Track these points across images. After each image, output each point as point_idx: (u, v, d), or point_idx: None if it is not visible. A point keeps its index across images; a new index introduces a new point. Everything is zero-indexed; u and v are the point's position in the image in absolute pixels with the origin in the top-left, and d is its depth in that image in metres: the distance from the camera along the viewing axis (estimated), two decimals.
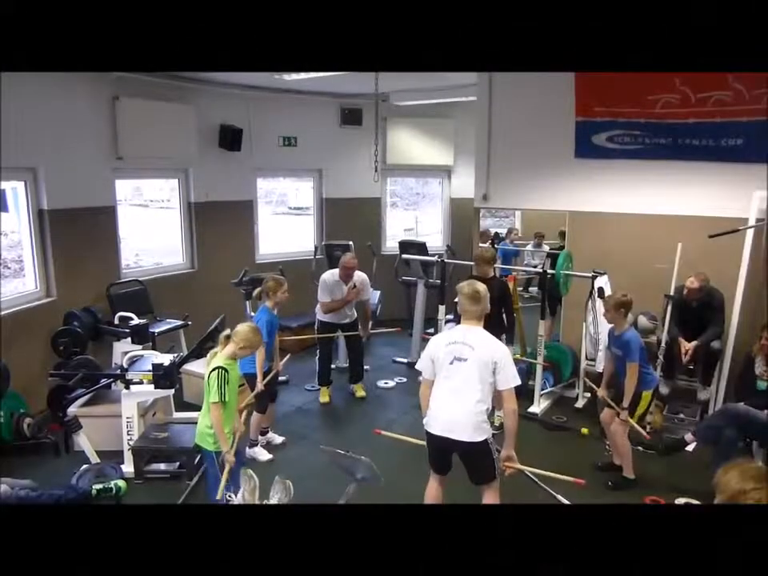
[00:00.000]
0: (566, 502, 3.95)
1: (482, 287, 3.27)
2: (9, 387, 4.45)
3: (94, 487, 3.46)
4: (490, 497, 3.28)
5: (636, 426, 4.12)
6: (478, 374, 3.11)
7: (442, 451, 3.29)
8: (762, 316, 4.61)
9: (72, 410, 4.39)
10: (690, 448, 4.36)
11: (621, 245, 5.60)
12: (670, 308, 5.00)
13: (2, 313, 4.89)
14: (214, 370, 3.33)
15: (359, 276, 5.58)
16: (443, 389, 3.21)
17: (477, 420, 3.12)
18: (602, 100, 5.58)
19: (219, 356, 3.43)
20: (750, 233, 4.87)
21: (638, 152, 5.54)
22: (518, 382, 3.17)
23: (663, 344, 5.03)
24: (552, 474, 3.46)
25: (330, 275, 5.54)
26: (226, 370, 3.34)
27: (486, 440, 3.16)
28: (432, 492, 3.41)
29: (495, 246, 7.21)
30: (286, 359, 4.89)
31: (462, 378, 3.14)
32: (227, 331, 3.52)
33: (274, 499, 3.40)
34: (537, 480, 4.17)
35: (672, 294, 5.02)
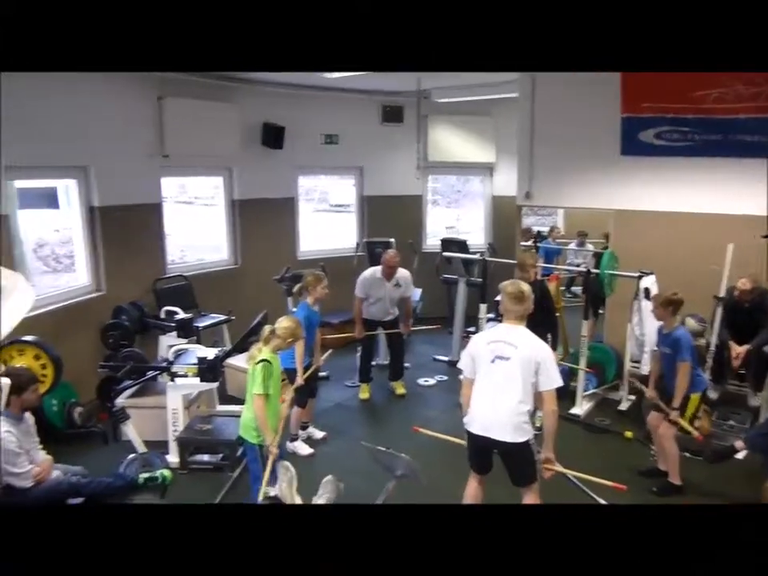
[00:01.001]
0: (603, 502, 3.88)
1: (525, 287, 3.24)
2: (61, 377, 4.60)
3: (140, 476, 3.55)
4: (530, 499, 3.24)
5: (687, 426, 4.02)
6: (521, 373, 3.07)
7: (482, 451, 3.27)
8: None
9: (120, 400, 4.50)
10: (739, 456, 4.22)
11: (668, 244, 5.47)
12: (720, 310, 4.86)
13: (55, 306, 5.06)
14: (259, 362, 3.40)
15: (401, 273, 5.58)
16: (484, 388, 3.19)
17: (518, 420, 3.08)
18: (649, 96, 5.46)
19: (264, 349, 3.49)
20: None
21: (688, 149, 5.40)
22: (561, 383, 3.13)
23: (713, 347, 4.89)
24: (592, 478, 3.40)
25: (371, 272, 5.56)
26: (270, 363, 3.41)
27: (527, 441, 3.12)
28: (471, 492, 3.38)
29: (537, 244, 7.11)
30: (327, 354, 4.93)
31: (504, 378, 3.11)
32: (270, 326, 3.59)
33: (322, 498, 3.45)
34: (578, 483, 4.11)
35: (722, 295, 4.87)
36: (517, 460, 3.18)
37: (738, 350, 4.74)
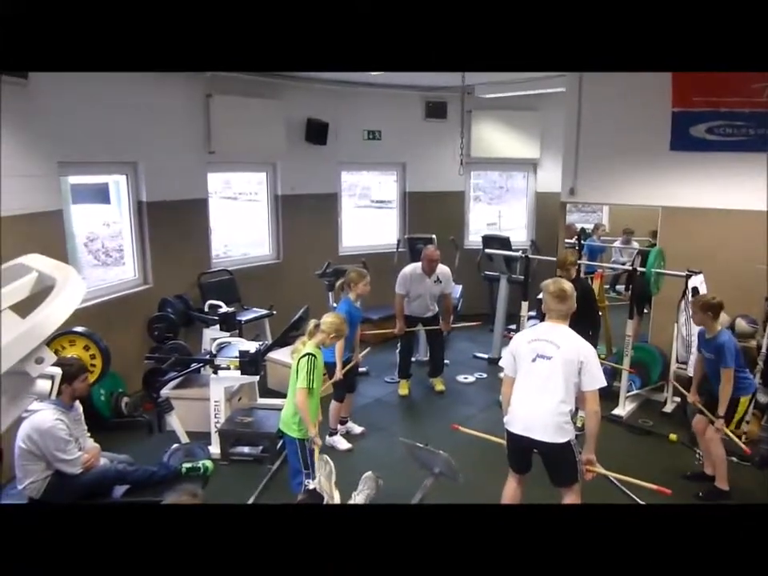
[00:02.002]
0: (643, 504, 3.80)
1: (568, 286, 3.19)
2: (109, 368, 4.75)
3: (183, 466, 3.64)
4: (571, 500, 3.19)
5: (733, 436, 3.90)
6: (563, 372, 3.03)
7: (522, 450, 3.23)
8: None
9: (165, 391, 4.62)
10: None
11: (719, 243, 5.30)
12: None
13: (104, 299, 5.23)
14: (304, 356, 3.46)
15: (442, 269, 5.57)
16: (525, 387, 3.15)
17: (559, 420, 3.04)
18: (701, 89, 5.29)
19: (308, 343, 3.54)
20: None
21: (741, 144, 5.22)
22: (604, 383, 3.07)
23: (764, 350, 4.72)
24: (635, 481, 3.33)
25: (412, 268, 5.56)
26: (315, 357, 3.45)
27: (568, 442, 3.07)
28: (510, 492, 3.34)
29: (582, 241, 6.98)
30: (366, 351, 4.96)
31: (545, 377, 3.07)
32: (315, 321, 3.63)
33: (362, 494, 3.49)
34: (619, 485, 4.04)
35: None
36: (557, 461, 3.14)
37: None
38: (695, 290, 4.78)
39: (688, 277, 4.84)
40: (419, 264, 5.53)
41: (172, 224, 5.85)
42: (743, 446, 3.96)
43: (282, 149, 6.70)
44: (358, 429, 4.99)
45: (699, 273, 4.88)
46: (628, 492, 3.96)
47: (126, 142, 5.30)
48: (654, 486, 3.24)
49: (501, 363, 3.37)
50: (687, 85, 5.33)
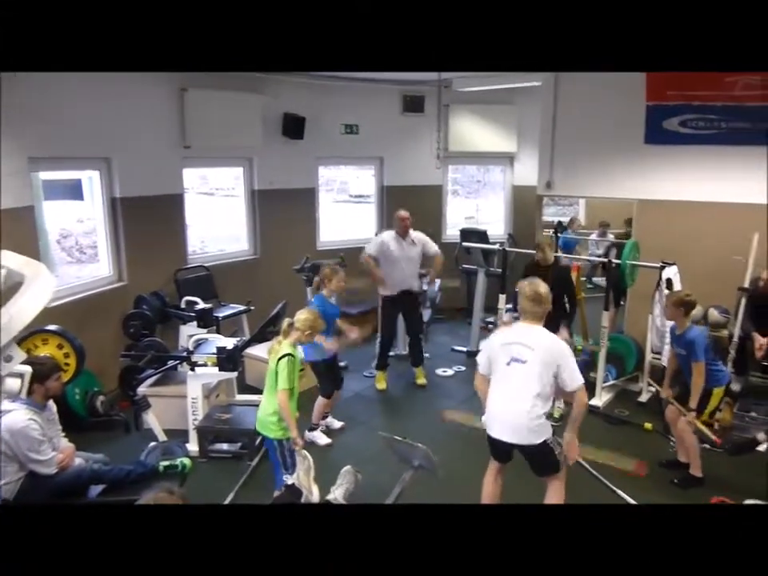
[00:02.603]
0: (627, 497, 3.86)
1: (543, 289, 3.15)
2: (84, 366, 4.68)
3: (161, 464, 3.59)
4: (554, 487, 3.25)
5: (704, 429, 3.97)
6: (538, 376, 3.03)
7: (503, 448, 3.26)
8: None
9: (141, 389, 4.58)
10: (761, 448, 4.15)
11: (692, 235, 5.38)
12: (743, 301, 4.77)
13: (78, 296, 5.15)
14: (283, 357, 3.42)
15: (417, 234, 5.64)
16: (500, 391, 3.16)
17: (533, 424, 3.06)
18: (674, 83, 5.36)
19: (285, 343, 3.50)
20: None
21: (714, 137, 5.30)
22: (582, 380, 3.09)
23: (736, 339, 4.80)
24: (612, 463, 3.39)
25: (386, 233, 5.65)
26: (294, 357, 3.42)
27: (545, 441, 3.10)
28: (491, 480, 3.38)
29: (558, 234, 7.04)
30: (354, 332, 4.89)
31: (520, 381, 3.07)
32: (289, 319, 3.60)
33: (341, 488, 3.48)
34: (600, 477, 4.10)
35: (747, 286, 4.78)
36: (537, 458, 3.18)
37: (762, 342, 4.65)
38: (669, 282, 4.85)
39: (662, 268, 4.91)
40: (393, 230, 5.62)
41: (147, 220, 5.77)
42: (713, 437, 4.03)
43: (258, 143, 6.64)
44: (337, 424, 4.99)
45: (673, 264, 4.95)
46: (606, 482, 4.02)
47: (99, 136, 5.21)
48: (631, 467, 3.29)
49: (478, 359, 3.38)
50: (661, 79, 5.40)
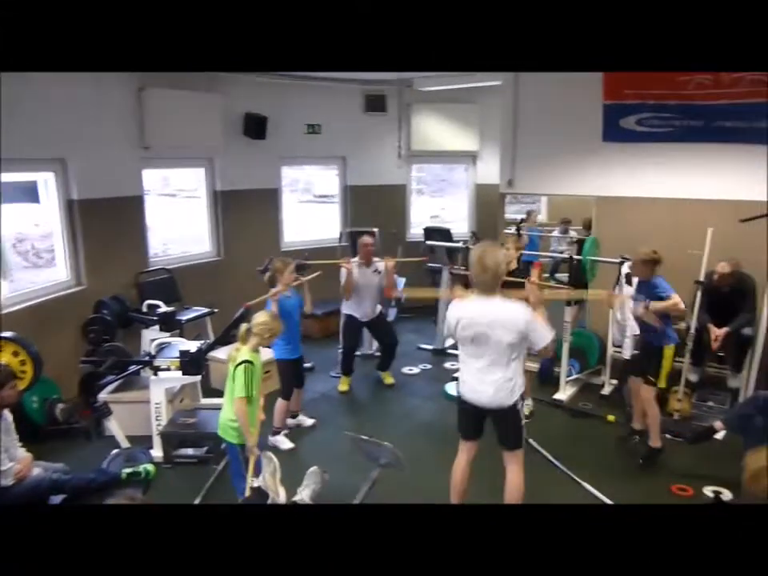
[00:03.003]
0: (588, 486, 3.93)
1: (490, 257, 3.04)
2: (41, 374, 4.56)
3: (123, 471, 3.52)
4: (514, 467, 3.29)
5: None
6: (505, 349, 3.05)
7: (475, 415, 3.28)
8: None
9: (102, 395, 4.48)
10: (719, 436, 4.28)
11: (650, 230, 5.49)
12: (699, 294, 4.90)
13: (36, 302, 5.01)
14: (240, 364, 3.36)
15: (381, 264, 5.59)
16: (469, 368, 3.19)
17: (506, 389, 3.12)
18: (630, 82, 5.46)
19: (244, 350, 3.45)
20: None
21: (668, 135, 5.42)
22: (552, 334, 3.11)
23: (692, 331, 4.93)
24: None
25: (354, 261, 5.58)
26: (252, 364, 3.37)
27: (515, 404, 3.16)
28: (460, 467, 3.39)
29: (520, 231, 7.12)
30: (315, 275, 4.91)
31: (488, 358, 3.10)
32: (246, 324, 3.54)
33: (308, 489, 3.46)
34: (561, 467, 4.17)
35: (702, 279, 4.91)
36: (507, 422, 3.22)
37: (717, 333, 4.79)
38: (628, 276, 4.95)
39: (621, 263, 5.01)
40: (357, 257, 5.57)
41: (106, 222, 5.65)
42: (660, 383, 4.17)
43: (219, 144, 6.56)
44: (309, 421, 4.96)
45: (632, 259, 5.05)
46: (569, 473, 4.09)
47: (53, 137, 5.07)
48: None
49: (444, 333, 3.43)
50: (617, 78, 5.50)
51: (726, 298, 4.84)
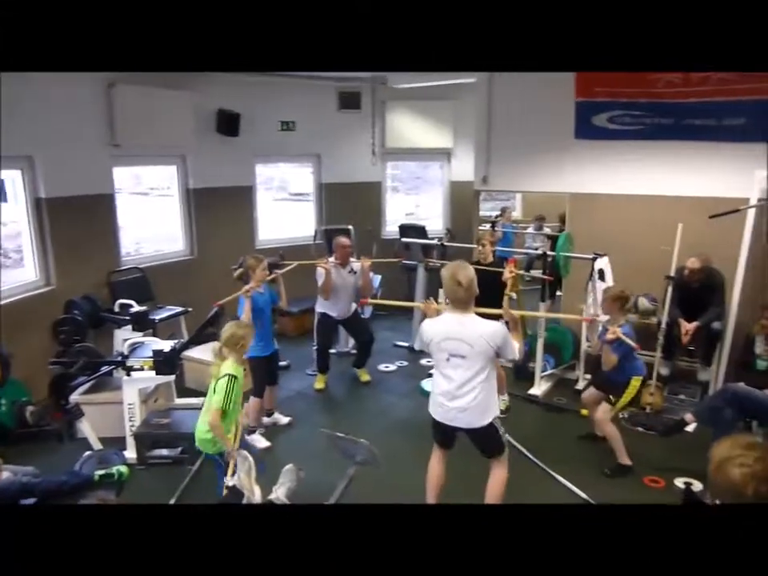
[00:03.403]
0: (562, 480, 3.98)
1: (462, 274, 3.04)
2: (10, 376, 4.47)
3: (96, 473, 3.46)
4: (499, 472, 3.32)
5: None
6: (480, 367, 3.06)
7: (448, 433, 3.30)
8: (763, 296, 4.60)
9: (74, 397, 4.41)
10: (690, 428, 4.36)
11: (622, 226, 5.58)
12: (670, 289, 4.98)
13: (3, 302, 4.90)
14: (224, 376, 3.33)
15: (357, 264, 5.58)
16: (443, 384, 3.17)
17: (481, 407, 3.11)
18: (602, 80, 5.53)
19: (228, 363, 3.41)
20: (750, 213, 4.84)
21: (639, 132, 5.50)
22: (517, 356, 3.17)
23: (664, 325, 5.01)
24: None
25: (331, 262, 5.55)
26: (236, 378, 3.35)
27: (491, 423, 3.16)
28: (435, 464, 3.41)
29: (495, 228, 7.18)
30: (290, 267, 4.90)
31: (462, 376, 3.09)
32: (217, 344, 3.49)
33: (283, 487, 3.44)
34: (539, 462, 4.20)
35: (673, 275, 5.00)
36: (484, 439, 3.24)
37: (688, 327, 4.87)
38: (601, 272, 5.02)
39: (594, 259, 5.08)
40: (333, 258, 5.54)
41: (76, 221, 5.55)
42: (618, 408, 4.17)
43: (191, 141, 6.49)
44: (284, 419, 4.94)
45: (604, 255, 5.12)
46: (544, 467, 4.13)
47: (20, 134, 4.95)
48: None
49: (416, 347, 3.42)
50: (589, 76, 5.57)
51: (696, 293, 4.92)
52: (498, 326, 3.10)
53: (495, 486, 3.32)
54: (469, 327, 3.07)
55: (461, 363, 3.08)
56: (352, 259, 5.59)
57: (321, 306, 5.61)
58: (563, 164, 5.93)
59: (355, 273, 5.54)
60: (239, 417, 3.53)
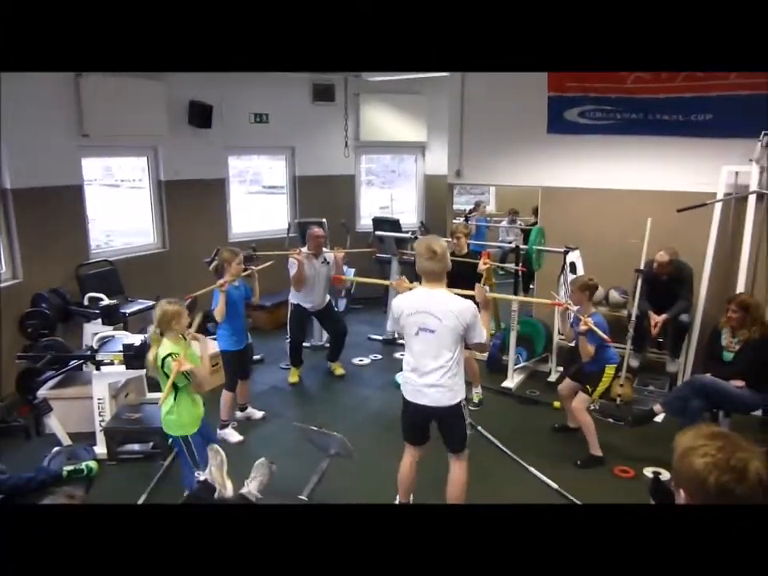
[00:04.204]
0: (534, 471, 4.03)
1: (437, 244, 3.05)
2: None
3: (64, 469, 3.41)
4: (458, 470, 3.30)
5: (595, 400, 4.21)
6: (447, 342, 3.04)
7: (419, 417, 3.25)
8: (728, 289, 4.70)
9: (42, 392, 4.33)
10: (658, 419, 4.44)
11: (593, 220, 5.65)
12: (640, 282, 5.06)
13: None
14: (166, 358, 3.23)
15: (330, 255, 5.56)
16: (413, 359, 3.16)
17: (449, 383, 3.09)
18: (573, 75, 5.58)
19: (165, 344, 3.29)
20: (717, 207, 4.94)
21: (610, 127, 5.56)
22: (484, 339, 3.14)
23: (633, 318, 5.09)
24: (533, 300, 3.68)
25: (304, 252, 5.52)
26: (177, 354, 3.23)
27: (459, 403, 3.16)
28: (406, 467, 3.38)
29: (468, 220, 7.22)
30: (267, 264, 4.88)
31: (430, 349, 3.07)
32: (149, 333, 3.39)
33: (255, 481, 3.41)
34: (511, 454, 4.25)
35: (642, 268, 5.07)
36: (450, 422, 3.22)
37: (657, 320, 4.94)
38: (573, 265, 5.08)
39: (566, 253, 5.13)
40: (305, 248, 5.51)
41: (43, 213, 5.44)
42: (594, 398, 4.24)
43: (163, 132, 6.39)
44: (258, 414, 4.91)
45: (576, 248, 5.18)
46: (516, 458, 4.17)
47: None
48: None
49: (388, 327, 3.40)
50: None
51: (665, 285, 5.00)
52: (468, 303, 3.06)
53: (456, 488, 3.29)
54: (439, 301, 3.05)
55: (430, 338, 3.05)
56: (325, 249, 5.56)
57: (294, 298, 5.57)
58: (536, 158, 5.98)
59: (328, 263, 5.52)
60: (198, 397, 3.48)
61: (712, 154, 5.03)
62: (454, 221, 7.01)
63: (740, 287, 4.68)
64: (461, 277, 4.85)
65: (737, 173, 4.88)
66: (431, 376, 3.10)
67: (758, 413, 4.35)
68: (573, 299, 4.23)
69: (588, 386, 4.15)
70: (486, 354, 5.74)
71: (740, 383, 3.98)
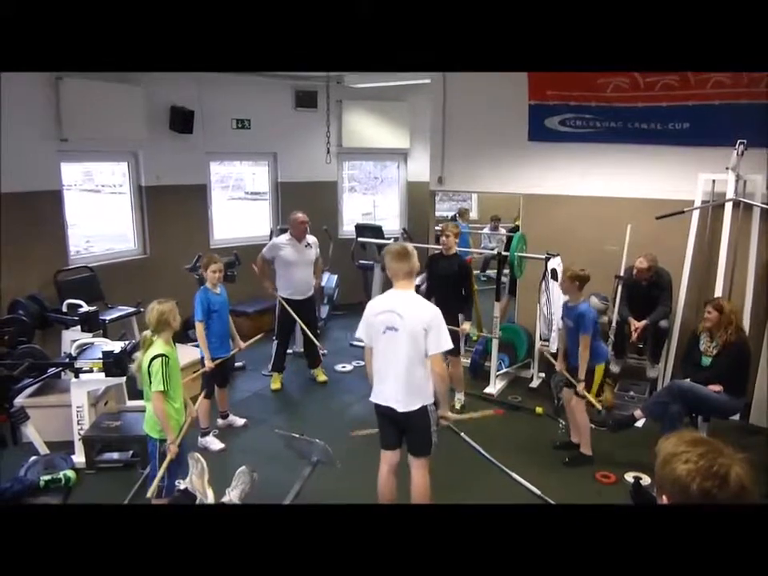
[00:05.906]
0: (516, 476, 4.04)
1: (406, 246, 3.24)
2: None
3: (41, 478, 3.37)
4: (420, 474, 3.28)
5: (592, 399, 4.20)
6: (408, 343, 3.06)
7: (385, 419, 3.28)
8: (707, 295, 4.77)
9: (19, 400, 4.27)
10: (639, 424, 4.46)
11: (573, 227, 5.69)
12: (620, 288, 5.11)
13: None
14: (155, 358, 3.18)
15: (312, 238, 5.58)
16: (379, 360, 3.20)
17: (411, 388, 3.11)
18: (553, 84, 5.64)
19: (157, 344, 3.25)
20: (695, 214, 5.01)
21: (590, 135, 5.62)
22: (450, 346, 3.11)
23: (614, 324, 5.14)
24: (473, 415, 3.90)
25: (283, 237, 5.54)
26: (168, 357, 3.21)
27: (424, 407, 3.16)
28: (383, 477, 3.35)
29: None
30: (257, 339, 4.88)
31: (394, 349, 3.10)
32: (146, 333, 3.34)
33: (236, 489, 3.39)
34: (486, 454, 4.25)
35: (622, 274, 5.13)
36: (414, 427, 3.21)
37: (637, 326, 5.01)
38: (554, 272, 5.12)
39: (547, 259, 5.17)
40: (287, 234, 5.52)
41: (20, 218, 5.35)
42: (598, 405, 4.28)
43: (143, 137, 6.34)
44: (240, 421, 4.88)
45: (557, 255, 5.22)
46: (490, 457, 4.18)
47: None
48: (490, 412, 3.78)
49: (357, 335, 3.38)
50: (541, 79, 5.67)
51: (645, 292, 5.07)
52: (434, 310, 3.13)
53: (418, 494, 3.27)
54: (404, 301, 3.12)
55: (394, 337, 3.08)
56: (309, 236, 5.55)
57: (282, 290, 5.52)
58: (517, 165, 6.02)
59: (311, 247, 5.53)
60: (189, 408, 3.44)
61: (689, 162, 5.10)
62: (437, 227, 7.02)
63: (718, 293, 4.75)
64: (448, 278, 4.88)
65: (714, 181, 4.95)
66: (395, 378, 3.12)
67: (736, 417, 4.42)
68: (563, 287, 4.29)
69: (575, 380, 4.17)
70: (468, 360, 5.77)
71: (718, 388, 4.04)
